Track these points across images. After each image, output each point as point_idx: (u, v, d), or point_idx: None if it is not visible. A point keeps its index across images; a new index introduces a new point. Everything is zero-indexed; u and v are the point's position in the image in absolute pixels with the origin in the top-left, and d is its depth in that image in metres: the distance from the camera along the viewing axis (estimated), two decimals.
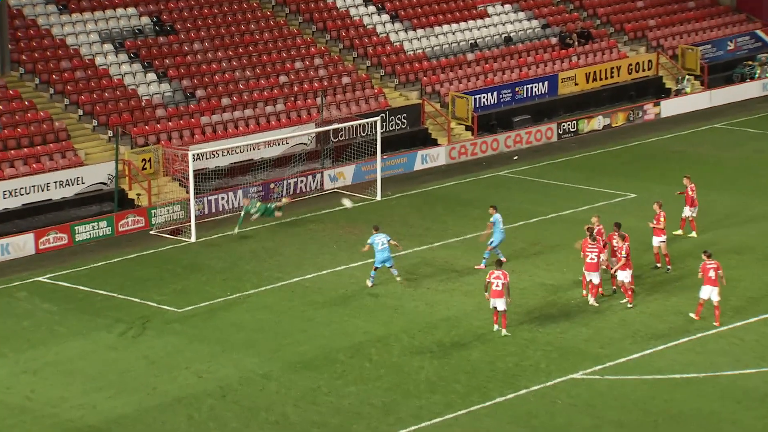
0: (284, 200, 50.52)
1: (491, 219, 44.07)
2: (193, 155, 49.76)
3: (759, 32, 73.01)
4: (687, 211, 46.51)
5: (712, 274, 37.76)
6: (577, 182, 54.69)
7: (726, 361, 36.09)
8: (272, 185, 53.26)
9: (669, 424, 32.69)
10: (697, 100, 67.45)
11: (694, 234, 46.36)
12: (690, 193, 46.34)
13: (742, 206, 50.63)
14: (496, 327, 38.35)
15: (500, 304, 37.98)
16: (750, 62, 70.54)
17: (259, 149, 54.56)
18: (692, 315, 38.55)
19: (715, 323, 37.90)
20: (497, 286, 37.65)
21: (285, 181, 53.62)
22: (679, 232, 46.38)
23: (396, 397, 34.78)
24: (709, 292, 37.82)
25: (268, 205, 49.58)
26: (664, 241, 43.19)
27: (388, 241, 42.30)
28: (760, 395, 33.66)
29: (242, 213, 49.08)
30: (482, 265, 43.79)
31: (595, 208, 50.42)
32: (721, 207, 50.37)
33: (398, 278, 42.77)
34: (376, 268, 42.59)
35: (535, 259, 45.33)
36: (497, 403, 34.18)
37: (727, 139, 61.52)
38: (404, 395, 34.89)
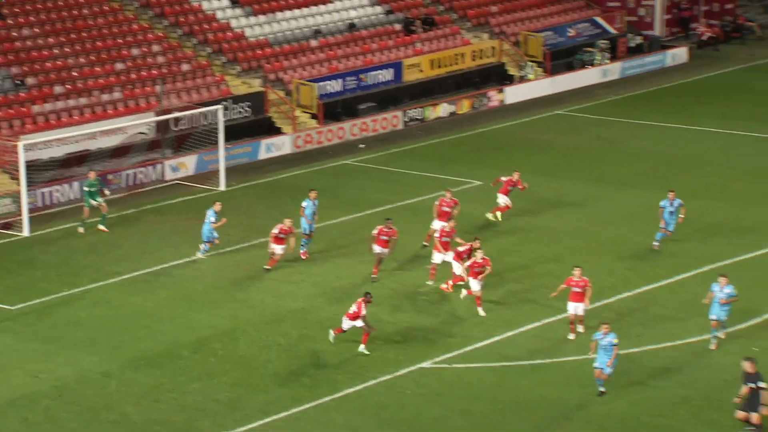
0: (102, 203, 48.34)
1: (303, 203, 44.39)
2: (24, 146, 48.56)
3: (598, 19, 74.35)
4: (501, 199, 47.07)
5: (577, 289, 36.87)
6: (424, 170, 54.88)
7: (571, 348, 36.48)
8: (110, 176, 52.26)
9: (515, 412, 32.99)
10: (539, 86, 68.35)
11: (496, 216, 46.99)
12: (511, 185, 47.06)
13: (580, 197, 51.25)
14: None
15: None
16: (590, 48, 71.70)
17: (95, 139, 53.55)
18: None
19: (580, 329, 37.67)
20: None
21: (124, 172, 52.68)
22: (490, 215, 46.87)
23: (242, 392, 34.48)
24: (574, 308, 37.20)
25: (92, 196, 47.85)
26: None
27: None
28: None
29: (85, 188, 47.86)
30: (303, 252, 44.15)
31: (442, 195, 50.66)
32: (551, 192, 51.00)
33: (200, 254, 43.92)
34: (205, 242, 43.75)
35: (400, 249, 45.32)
36: (345, 395, 34.13)
37: (569, 126, 62.32)
38: (251, 390, 34.62)
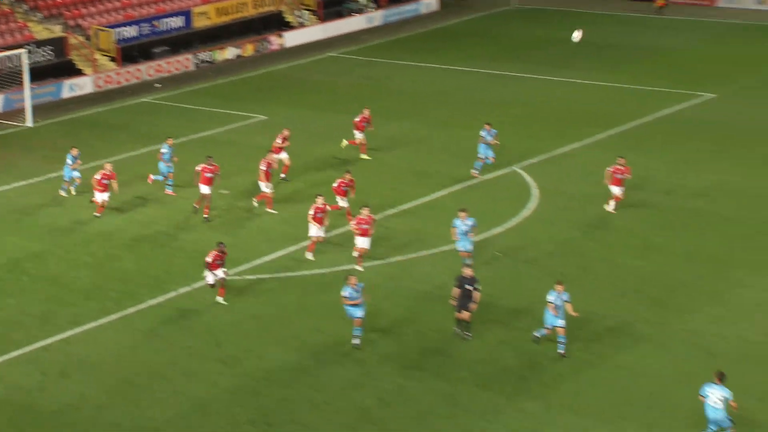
0: None
1: (162, 149, 43.08)
2: None
3: None
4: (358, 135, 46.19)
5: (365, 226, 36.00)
6: (215, 107, 54.69)
7: (341, 257, 37.03)
8: None
9: (300, 316, 33.41)
10: (313, 32, 68.52)
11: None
12: (365, 122, 46.16)
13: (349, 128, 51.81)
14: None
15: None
16: None
17: None
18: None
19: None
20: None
21: None
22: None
23: (53, 307, 34.11)
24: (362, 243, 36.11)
25: None
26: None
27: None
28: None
29: None
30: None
31: (232, 129, 50.68)
32: (324, 126, 51.48)
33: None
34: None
35: (179, 178, 45.05)
36: (148, 306, 34.09)
37: (340, 67, 62.76)
38: (61, 304, 34.27)
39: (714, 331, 31.90)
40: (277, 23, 68.64)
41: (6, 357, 31.19)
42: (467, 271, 31.33)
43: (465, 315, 31.15)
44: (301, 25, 68.62)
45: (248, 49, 64.88)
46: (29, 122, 52.00)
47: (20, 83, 52.90)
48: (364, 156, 46.07)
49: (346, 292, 31.09)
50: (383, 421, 27.90)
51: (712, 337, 31.61)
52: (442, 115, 52.61)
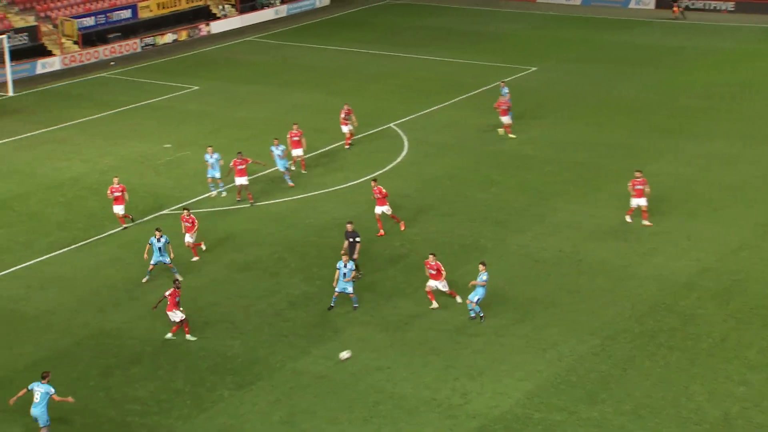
0: None
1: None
2: None
3: None
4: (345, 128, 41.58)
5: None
6: (157, 80, 53.66)
7: (262, 195, 36.88)
8: None
9: (229, 240, 33.18)
10: (234, 21, 67.43)
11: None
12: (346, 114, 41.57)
13: (265, 96, 51.41)
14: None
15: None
16: None
17: None
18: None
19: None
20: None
21: None
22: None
23: (34, 236, 33.52)
24: None
25: None
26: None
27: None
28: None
29: None
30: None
31: (171, 97, 49.85)
32: (246, 95, 51.00)
33: None
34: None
35: (132, 135, 44.24)
36: (110, 235, 33.63)
37: (258, 48, 62.01)
38: (40, 234, 33.69)
39: (538, 244, 32.56)
40: (205, 14, 67.41)
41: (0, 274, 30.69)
42: (350, 227, 29.63)
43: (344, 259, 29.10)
44: (224, 16, 67.46)
45: (183, 35, 63.66)
46: (11, 92, 50.54)
47: (2, 62, 51.32)
48: (347, 145, 41.81)
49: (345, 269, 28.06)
50: (293, 319, 28.06)
51: (537, 248, 32.27)
52: (342, 86, 52.24)
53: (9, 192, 37.36)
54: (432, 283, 28.27)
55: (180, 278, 29.37)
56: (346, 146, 41.73)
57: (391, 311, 28.15)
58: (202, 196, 36.64)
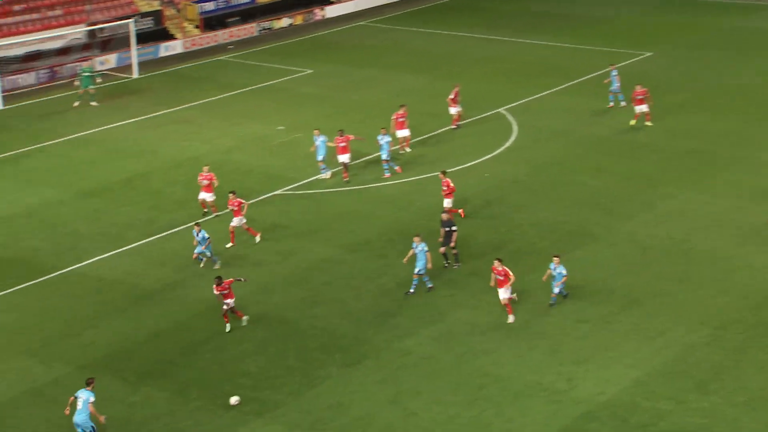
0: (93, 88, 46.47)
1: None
2: None
3: None
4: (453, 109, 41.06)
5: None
6: (273, 63, 54.11)
7: (371, 178, 36.82)
8: (56, 69, 50.23)
9: (340, 220, 33.28)
10: (348, 6, 67.34)
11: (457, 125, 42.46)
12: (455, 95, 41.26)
13: (376, 80, 51.29)
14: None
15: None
16: None
17: (44, 43, 51.27)
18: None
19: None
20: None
21: (71, 66, 50.61)
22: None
23: (156, 213, 34.20)
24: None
25: (89, 81, 45.93)
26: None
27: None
28: (401, 196, 34.62)
29: (83, 72, 45.84)
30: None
31: (286, 80, 50.23)
32: (358, 77, 50.96)
33: None
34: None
35: (249, 116, 44.77)
36: (224, 214, 33.86)
37: (371, 32, 61.97)
38: (162, 212, 34.36)
39: (647, 231, 31.70)
40: None
41: (121, 250, 31.42)
42: (445, 216, 29.22)
43: (442, 249, 29.08)
44: (339, 1, 67.56)
45: (298, 19, 64.02)
46: (135, 74, 51.71)
47: (129, 45, 52.53)
48: (453, 126, 41.46)
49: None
50: (401, 300, 27.96)
51: (647, 236, 31.42)
52: (450, 68, 51.81)
53: (133, 171, 38.25)
54: (502, 295, 26.40)
55: (218, 267, 29.29)
56: (453, 126, 41.41)
57: (496, 296, 27.76)
58: (312, 178, 36.83)
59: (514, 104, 45.38)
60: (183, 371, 24.63)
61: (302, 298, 28.05)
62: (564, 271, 26.84)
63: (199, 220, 31.43)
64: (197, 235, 29.64)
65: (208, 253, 29.83)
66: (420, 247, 27.68)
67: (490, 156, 38.86)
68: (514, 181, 36.13)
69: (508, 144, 40.21)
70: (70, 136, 42.07)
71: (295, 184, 36.17)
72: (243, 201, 31.64)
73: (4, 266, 30.16)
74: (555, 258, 27.08)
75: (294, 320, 26.95)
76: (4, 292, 28.57)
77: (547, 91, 47.31)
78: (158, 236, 32.21)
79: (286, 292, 28.49)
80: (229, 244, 31.31)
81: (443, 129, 41.90)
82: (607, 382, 23.73)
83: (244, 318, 26.72)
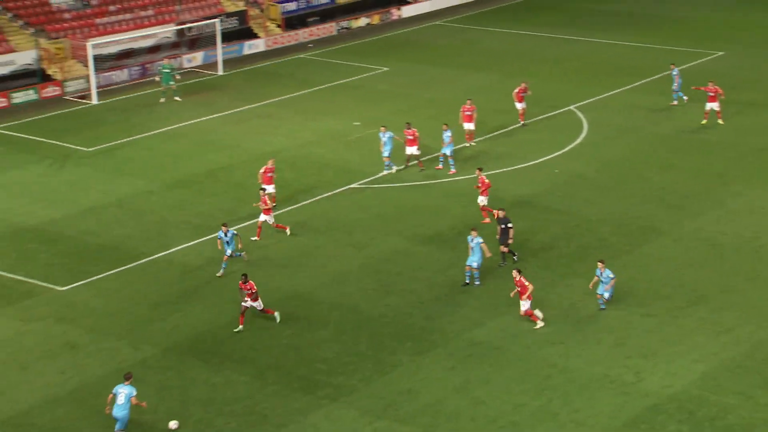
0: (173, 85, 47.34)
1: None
2: (92, 45, 47.29)
3: None
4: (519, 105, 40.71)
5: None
6: (350, 61, 54.11)
7: (442, 174, 36.63)
8: (147, 66, 51.02)
9: (412, 214, 33.21)
10: (424, 6, 67.03)
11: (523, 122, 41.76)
12: (523, 92, 40.80)
13: (448, 78, 50.89)
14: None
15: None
16: None
17: (137, 41, 52.08)
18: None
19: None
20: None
21: (157, 63, 51.34)
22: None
23: (237, 204, 34.44)
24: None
25: (169, 78, 46.62)
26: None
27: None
28: (465, 191, 34.34)
29: (163, 68, 46.64)
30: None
31: (362, 77, 50.16)
32: (432, 75, 50.62)
33: None
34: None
35: (326, 112, 44.82)
36: (303, 206, 34.13)
37: (445, 32, 61.59)
38: (242, 202, 34.55)
39: (716, 228, 30.87)
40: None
41: (204, 239, 31.73)
42: (501, 213, 28.67)
43: (502, 248, 28.65)
44: (415, 1, 67.28)
45: (375, 19, 63.92)
46: (220, 71, 52.21)
47: (214, 44, 53.07)
48: (521, 122, 41.06)
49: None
50: (470, 292, 27.69)
51: (715, 233, 30.60)
52: (522, 67, 51.21)
53: (217, 163, 38.61)
54: (523, 306, 25.49)
55: (245, 264, 28.35)
56: (521, 122, 40.97)
57: (565, 289, 27.33)
58: (385, 172, 36.72)
59: (585, 102, 44.62)
60: (261, 356, 24.76)
61: (375, 288, 27.99)
62: (611, 274, 25.87)
63: (225, 222, 30.19)
64: (225, 236, 28.63)
65: (229, 251, 28.70)
66: (476, 241, 27.34)
67: (560, 152, 38.28)
68: (583, 177, 35.52)
69: (578, 141, 39.57)
70: (159, 130, 42.66)
71: (370, 178, 36.12)
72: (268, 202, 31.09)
73: (96, 253, 30.72)
74: (600, 263, 25.97)
75: (367, 309, 26.89)
76: (96, 277, 29.08)
77: (618, 90, 46.41)
78: (239, 226, 32.40)
79: (359, 282, 28.46)
80: (288, 231, 31.42)
81: (513, 126, 41.41)
82: (674, 376, 23.15)
83: (276, 314, 26.07)
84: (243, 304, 25.85)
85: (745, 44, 53.41)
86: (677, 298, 26.65)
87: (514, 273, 25.77)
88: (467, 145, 38.41)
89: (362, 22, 63.17)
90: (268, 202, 31.50)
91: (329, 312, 26.86)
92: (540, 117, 42.32)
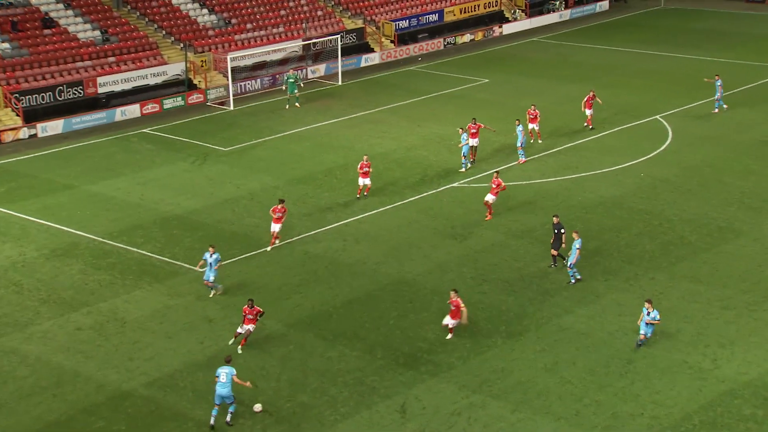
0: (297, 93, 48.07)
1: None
2: (230, 58, 48.51)
3: None
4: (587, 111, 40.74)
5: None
6: (455, 73, 53.92)
7: (535, 173, 36.13)
8: (277, 76, 52.08)
9: (506, 210, 32.73)
10: (523, 24, 66.26)
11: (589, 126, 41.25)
12: (591, 99, 40.67)
13: (542, 88, 50.10)
14: None
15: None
16: (553, 0, 68.77)
17: (269, 54, 53.14)
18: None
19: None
20: None
21: (285, 74, 52.28)
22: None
23: (352, 199, 34.74)
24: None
25: (294, 86, 47.39)
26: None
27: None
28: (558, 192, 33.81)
29: (288, 78, 47.53)
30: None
31: (465, 87, 49.89)
32: (530, 87, 49.90)
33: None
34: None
35: (431, 119, 44.78)
36: (410, 201, 34.21)
37: (540, 47, 60.74)
38: (355, 197, 34.79)
39: None
40: (499, 18, 66.74)
41: (323, 229, 32.15)
42: (555, 220, 27.70)
43: (554, 252, 27.76)
44: (515, 19, 66.55)
45: (479, 35, 63.51)
46: (339, 82, 52.76)
47: (336, 57, 53.66)
48: (588, 126, 40.78)
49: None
50: (559, 282, 27.28)
51: None
52: (609, 80, 50.12)
53: (334, 162, 39.08)
54: (448, 321, 24.18)
55: (218, 292, 26.20)
56: (588, 126, 40.60)
57: (648, 282, 26.65)
58: (485, 173, 36.50)
59: (671, 112, 43.34)
60: (371, 334, 25.00)
61: (473, 276, 27.87)
62: (658, 316, 23.27)
63: (213, 243, 28.05)
64: (210, 257, 26.38)
65: (212, 277, 26.34)
66: (576, 244, 26.48)
67: (646, 158, 37.32)
68: (666, 181, 34.55)
69: (663, 148, 38.48)
70: (285, 133, 43.45)
71: (469, 179, 35.95)
72: (286, 209, 29.97)
73: (231, 239, 31.52)
74: (647, 303, 23.43)
75: (465, 295, 26.80)
76: (231, 260, 29.83)
77: (702, 101, 44.90)
78: (354, 218, 32.76)
79: (459, 270, 28.39)
80: (269, 248, 30.00)
81: (603, 134, 40.55)
82: (750, 364, 22.35)
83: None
84: (238, 330, 24.23)
85: None
86: (755, 293, 25.67)
87: (452, 293, 24.29)
88: (536, 141, 38.05)
89: (467, 38, 62.82)
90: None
91: (431, 296, 26.90)
92: (627, 125, 41.30)
